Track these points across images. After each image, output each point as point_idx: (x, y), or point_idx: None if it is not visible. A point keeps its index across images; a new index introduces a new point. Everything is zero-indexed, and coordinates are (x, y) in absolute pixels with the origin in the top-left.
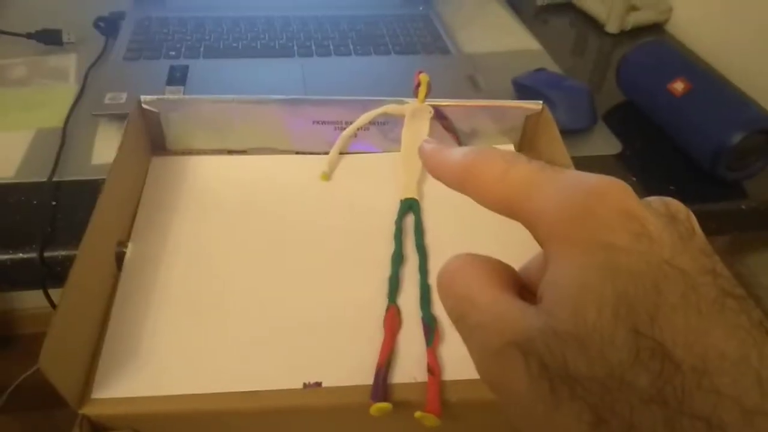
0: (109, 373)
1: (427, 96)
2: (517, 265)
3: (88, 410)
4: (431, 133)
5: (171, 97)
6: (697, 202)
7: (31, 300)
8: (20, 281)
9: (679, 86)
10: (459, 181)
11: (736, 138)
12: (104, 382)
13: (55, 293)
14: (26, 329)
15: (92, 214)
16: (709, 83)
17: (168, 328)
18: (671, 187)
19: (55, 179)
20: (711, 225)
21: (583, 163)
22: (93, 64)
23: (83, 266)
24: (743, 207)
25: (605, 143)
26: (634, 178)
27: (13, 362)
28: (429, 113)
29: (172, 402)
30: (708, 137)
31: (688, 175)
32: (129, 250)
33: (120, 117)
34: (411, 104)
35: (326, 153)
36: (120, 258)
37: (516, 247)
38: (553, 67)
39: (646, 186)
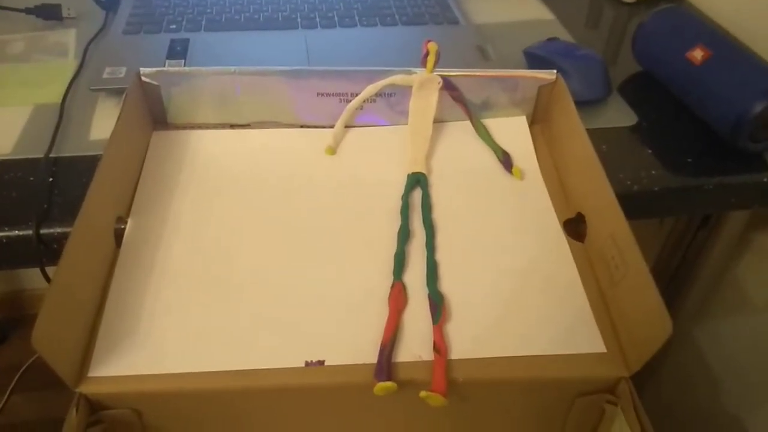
0: (107, 351)
1: (435, 66)
2: (527, 241)
3: (85, 388)
4: (440, 105)
5: (171, 69)
6: (717, 175)
7: (39, 280)
8: (17, 259)
9: (698, 54)
10: None
11: (759, 107)
12: (102, 360)
13: (53, 271)
14: (36, 309)
15: (89, 188)
16: (730, 50)
17: (168, 306)
18: (689, 160)
19: (52, 155)
20: (731, 199)
21: (597, 136)
22: (92, 39)
23: (78, 242)
24: (765, 180)
25: (620, 115)
26: (650, 151)
27: (24, 342)
28: (438, 84)
29: (172, 380)
30: (729, 106)
31: (706, 147)
32: (128, 226)
33: (119, 92)
34: (419, 75)
35: (331, 126)
36: (119, 234)
37: (525, 221)
38: (566, 37)
39: (662, 159)
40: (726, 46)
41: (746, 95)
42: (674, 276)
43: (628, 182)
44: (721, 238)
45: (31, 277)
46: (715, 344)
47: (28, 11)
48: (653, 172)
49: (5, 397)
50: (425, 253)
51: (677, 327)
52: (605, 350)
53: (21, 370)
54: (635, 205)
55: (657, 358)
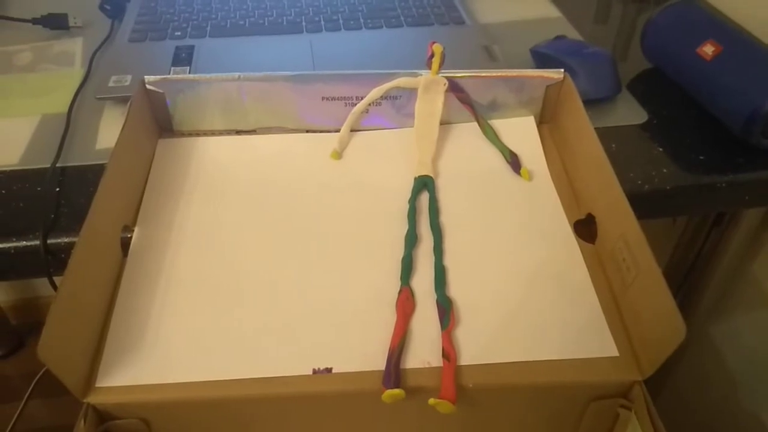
0: (114, 360)
1: (441, 67)
2: (536, 243)
3: (93, 399)
4: (447, 107)
5: (175, 76)
6: (729, 173)
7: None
8: (25, 270)
9: (708, 49)
10: None
11: None
12: (109, 370)
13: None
14: None
15: (94, 197)
16: (742, 45)
17: (175, 314)
18: (701, 158)
19: (59, 165)
20: (745, 197)
21: (606, 134)
22: (99, 48)
23: (84, 252)
24: None
25: (630, 112)
26: (661, 149)
27: None
28: (443, 85)
29: (180, 389)
30: (741, 102)
31: (719, 144)
32: (135, 235)
33: (125, 100)
34: (424, 77)
35: (337, 130)
36: (126, 243)
37: (534, 223)
38: (574, 35)
39: (673, 157)
40: (737, 40)
41: (758, 90)
42: (689, 274)
43: (639, 181)
44: (736, 236)
45: (47, 285)
46: (732, 342)
47: (34, 21)
48: (664, 170)
49: (22, 403)
50: (433, 257)
51: (694, 325)
52: (618, 354)
53: (38, 376)
54: (647, 204)
55: (674, 357)
